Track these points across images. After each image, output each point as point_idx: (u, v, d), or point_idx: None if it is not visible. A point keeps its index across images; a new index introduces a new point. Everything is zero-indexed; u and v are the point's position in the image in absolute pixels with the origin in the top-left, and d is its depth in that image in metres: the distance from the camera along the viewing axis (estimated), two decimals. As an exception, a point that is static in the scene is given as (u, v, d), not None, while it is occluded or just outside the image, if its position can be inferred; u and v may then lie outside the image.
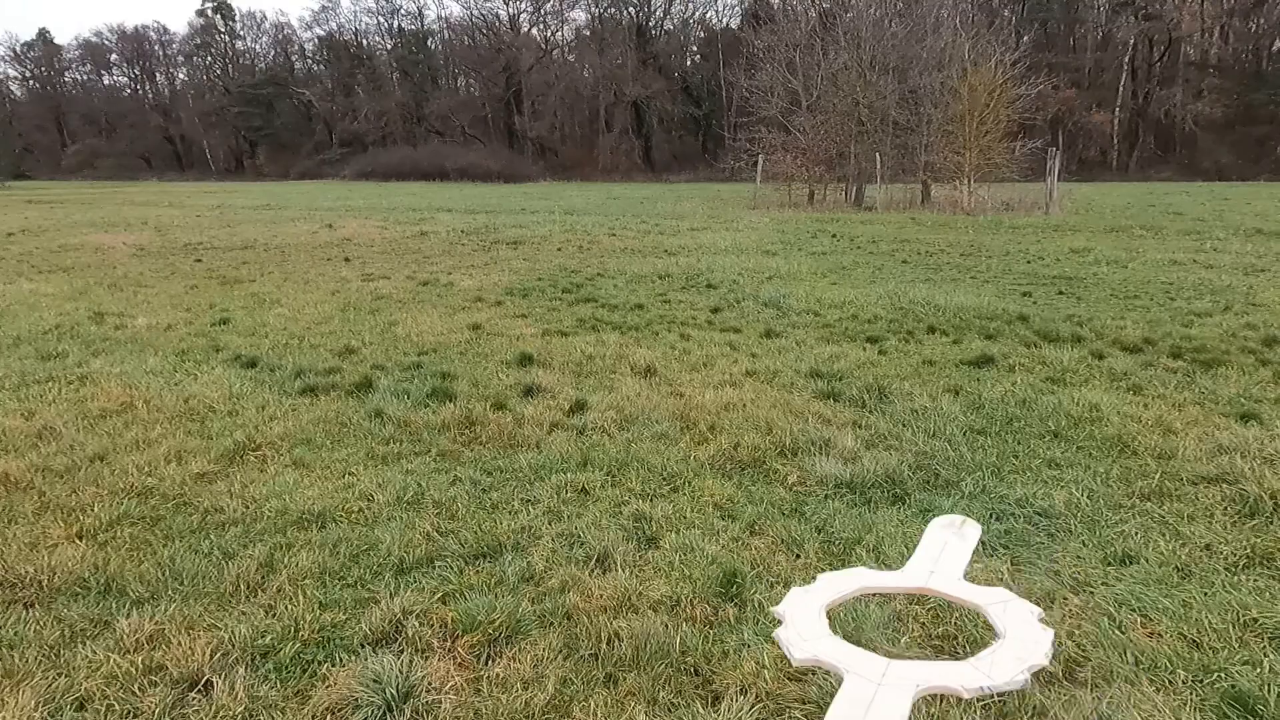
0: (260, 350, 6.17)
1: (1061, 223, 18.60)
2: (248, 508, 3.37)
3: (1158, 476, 3.65)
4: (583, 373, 5.56)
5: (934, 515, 3.31)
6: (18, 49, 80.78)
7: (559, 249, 13.77)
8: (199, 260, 12.29)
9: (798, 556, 3.00)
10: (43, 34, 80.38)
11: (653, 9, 70.45)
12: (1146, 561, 2.90)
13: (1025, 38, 35.36)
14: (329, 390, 5.10)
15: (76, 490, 3.53)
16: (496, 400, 4.80)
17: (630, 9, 70.23)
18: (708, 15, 71.48)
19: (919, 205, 24.96)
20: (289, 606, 2.59)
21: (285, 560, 2.91)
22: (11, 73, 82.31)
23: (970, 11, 30.09)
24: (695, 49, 72.08)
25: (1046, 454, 3.99)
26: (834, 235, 16.22)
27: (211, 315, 7.66)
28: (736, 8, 68.31)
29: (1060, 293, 8.93)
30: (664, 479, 3.71)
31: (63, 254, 13.13)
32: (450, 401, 4.77)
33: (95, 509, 3.31)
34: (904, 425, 4.41)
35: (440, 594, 2.69)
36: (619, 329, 7.04)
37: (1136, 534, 3.12)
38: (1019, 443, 4.15)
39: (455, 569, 2.88)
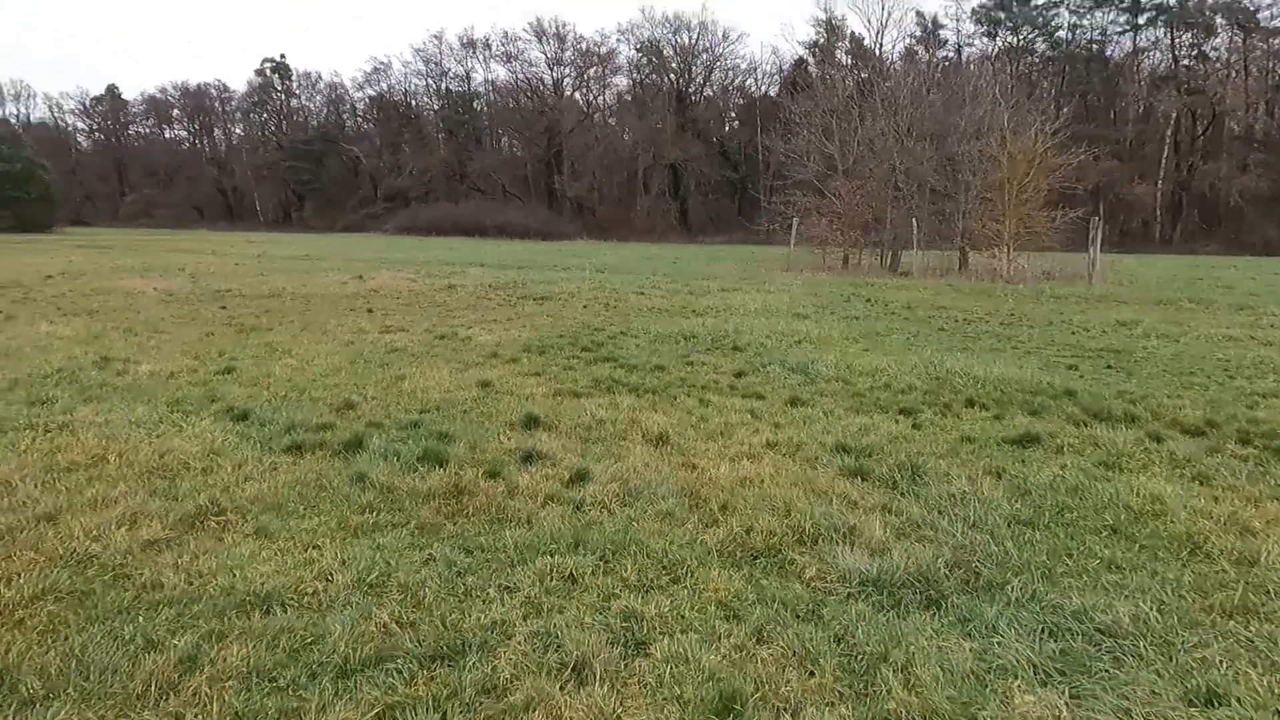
0: (257, 402, 5.89)
1: (1105, 294, 17.97)
2: (190, 584, 3.00)
3: (1240, 588, 3.12)
4: (590, 438, 5.17)
5: (974, 624, 2.83)
6: (87, 103, 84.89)
7: (585, 306, 13.52)
8: (223, 307, 12.24)
9: (811, 674, 2.53)
10: (111, 89, 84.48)
11: (693, 76, 72.04)
12: (1239, 702, 2.38)
13: (1065, 109, 35.16)
14: (316, 448, 4.76)
15: (11, 556, 3.19)
16: (491, 467, 4.42)
17: (671, 76, 71.92)
18: (746, 83, 72.91)
19: (956, 272, 24.45)
20: (199, 718, 2.19)
21: (212, 654, 2.52)
22: (80, 125, 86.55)
23: (1009, 82, 29.99)
24: (733, 114, 73.28)
25: (1105, 554, 3.47)
26: (868, 300, 15.80)
27: (218, 363, 7.44)
28: (775, 76, 69.61)
29: (1109, 366, 8.37)
30: (664, 567, 3.27)
31: (93, 298, 13.20)
32: (441, 466, 4.40)
33: (21, 580, 2.96)
34: (940, 512, 3.92)
35: (380, 708, 2.27)
36: (635, 391, 6.66)
37: (1221, 663, 2.60)
38: (1072, 538, 3.65)
39: (406, 674, 2.46)
